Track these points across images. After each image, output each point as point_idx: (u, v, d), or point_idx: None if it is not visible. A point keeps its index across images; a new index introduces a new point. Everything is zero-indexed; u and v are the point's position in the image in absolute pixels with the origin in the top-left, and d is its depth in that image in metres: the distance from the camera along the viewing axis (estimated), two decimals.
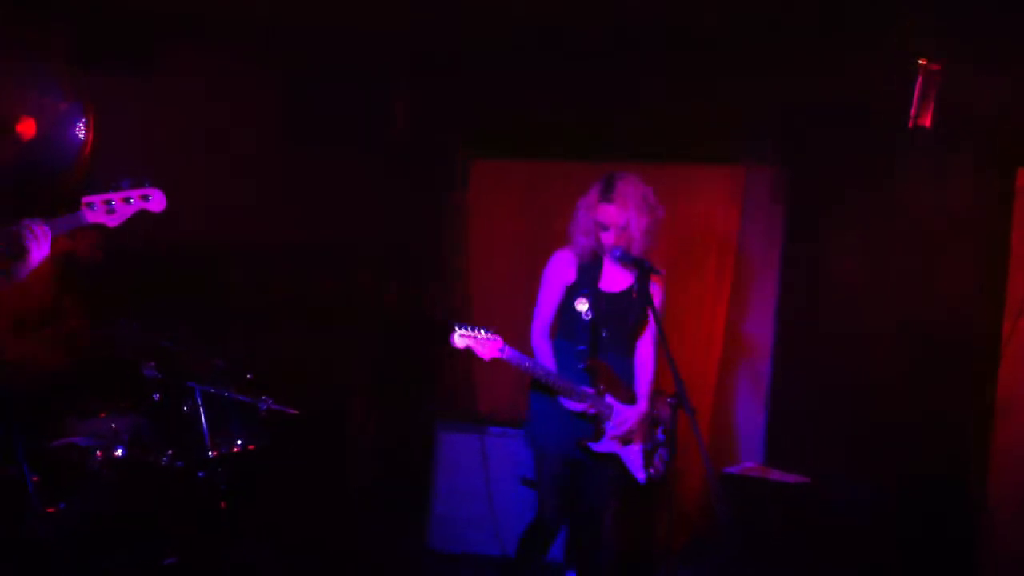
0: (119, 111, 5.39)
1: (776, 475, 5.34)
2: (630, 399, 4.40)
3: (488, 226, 6.61)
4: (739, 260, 6.09)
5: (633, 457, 4.38)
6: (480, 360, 5.98)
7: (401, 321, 6.51)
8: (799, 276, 5.95)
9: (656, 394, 4.52)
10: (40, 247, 3.35)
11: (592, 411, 4.28)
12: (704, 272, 6.08)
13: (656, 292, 4.41)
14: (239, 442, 4.95)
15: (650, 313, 4.35)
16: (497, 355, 4.06)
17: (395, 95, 6.51)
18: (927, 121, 5.29)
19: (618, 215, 4.28)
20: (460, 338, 4.04)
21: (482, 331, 4.06)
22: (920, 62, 5.28)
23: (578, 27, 5.50)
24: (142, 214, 3.58)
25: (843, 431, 5.57)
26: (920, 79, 5.29)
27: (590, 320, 4.33)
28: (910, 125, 5.21)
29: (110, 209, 3.50)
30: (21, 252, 3.33)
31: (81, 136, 5.41)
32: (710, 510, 5.57)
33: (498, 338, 4.07)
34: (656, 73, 5.87)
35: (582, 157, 6.13)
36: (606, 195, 4.30)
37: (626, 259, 4.27)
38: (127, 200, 3.53)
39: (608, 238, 4.30)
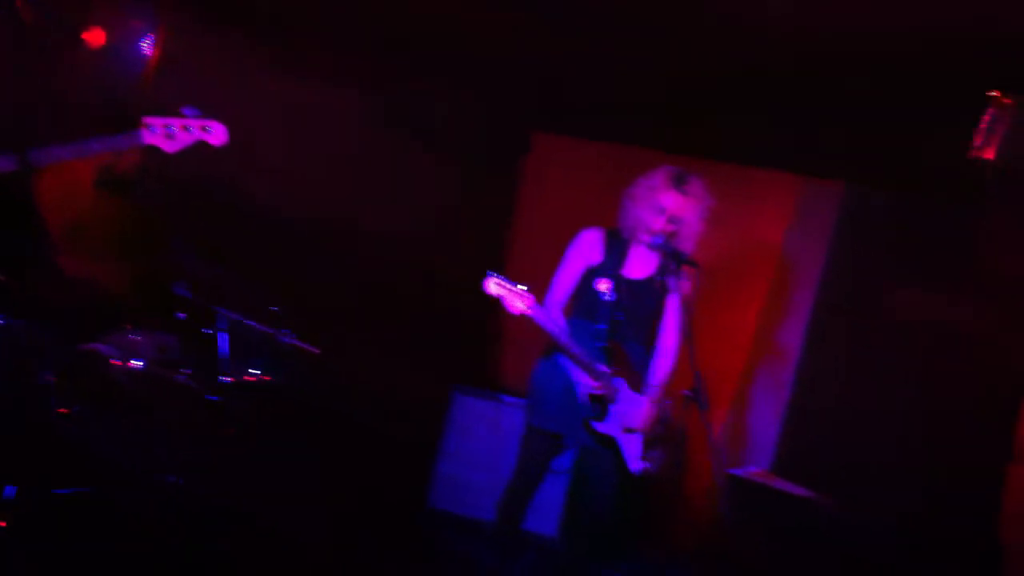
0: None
1: (780, 484, 5.31)
2: (640, 386, 4.39)
3: (539, 201, 6.63)
4: (780, 268, 6.04)
5: (631, 446, 4.36)
6: (509, 333, 6.05)
7: (442, 287, 6.55)
8: (838, 294, 5.88)
9: (666, 392, 4.50)
10: None
11: (601, 391, 4.27)
12: (741, 274, 6.03)
13: (688, 284, 4.37)
14: (256, 372, 5.01)
15: (677, 304, 4.32)
16: (526, 311, 4.03)
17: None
18: (991, 154, 5.19)
19: (682, 208, 4.26)
20: (493, 285, 4.02)
21: (516, 285, 4.03)
22: (993, 94, 5.18)
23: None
24: (202, 145, 3.60)
25: (855, 454, 5.51)
26: (990, 111, 5.19)
27: (610, 302, 4.32)
28: (971, 155, 5.12)
29: (169, 134, 3.52)
30: None
31: (147, 53, 5.47)
32: (715, 508, 5.55)
33: (531, 296, 4.04)
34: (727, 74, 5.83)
35: (641, 143, 6.13)
36: (679, 185, 4.26)
37: (665, 248, 4.24)
38: (187, 128, 3.55)
39: (657, 223, 4.27)
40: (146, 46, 5.43)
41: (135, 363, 4.53)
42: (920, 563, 5.07)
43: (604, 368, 4.28)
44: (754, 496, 5.22)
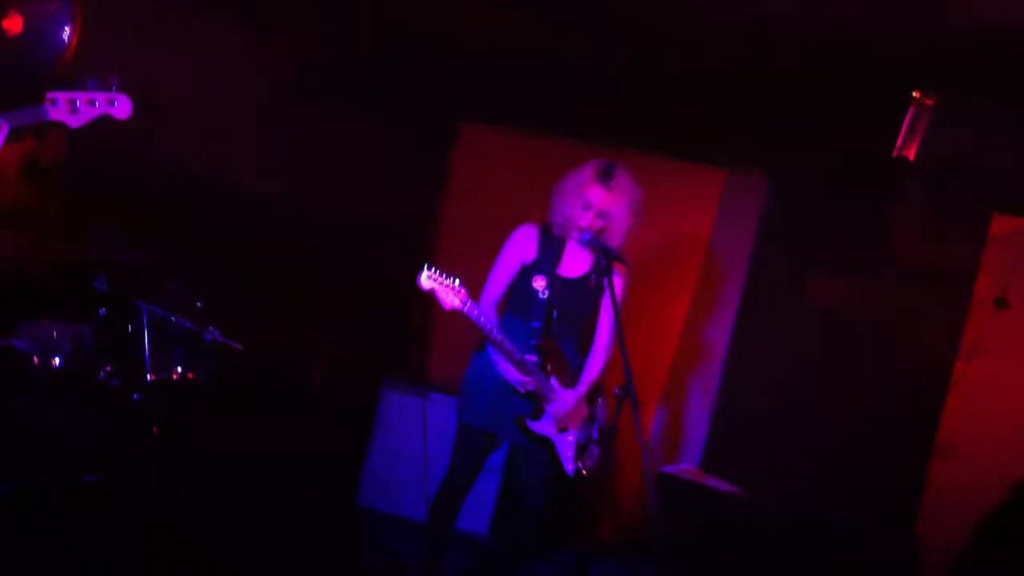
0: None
1: (711, 481, 5.35)
2: (573, 384, 4.38)
3: (467, 193, 6.60)
4: (707, 263, 6.08)
5: (565, 447, 4.34)
6: (437, 329, 6.00)
7: (368, 281, 6.47)
8: (763, 288, 5.94)
9: (598, 391, 4.49)
10: None
11: (533, 388, 4.24)
12: (668, 269, 6.07)
13: (619, 282, 4.35)
14: (179, 369, 4.90)
15: (609, 302, 4.31)
16: (459, 307, 3.94)
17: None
18: (911, 154, 5.29)
19: (608, 202, 4.22)
20: (427, 279, 3.90)
21: (451, 279, 3.94)
22: (914, 94, 5.28)
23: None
24: (107, 119, 3.53)
25: (783, 449, 5.56)
26: (911, 111, 5.29)
27: (546, 299, 4.30)
28: (894, 155, 5.21)
29: (73, 108, 3.44)
30: None
31: (65, 39, 5.31)
32: (644, 505, 5.58)
33: (464, 291, 3.96)
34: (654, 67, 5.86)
35: (570, 134, 6.13)
36: (604, 179, 4.23)
37: (595, 244, 4.21)
38: (91, 102, 3.47)
39: (585, 219, 4.25)
40: (65, 32, 5.27)
41: (54, 360, 4.40)
42: (843, 557, 5.15)
43: (538, 366, 4.26)
44: (684, 494, 5.25)
